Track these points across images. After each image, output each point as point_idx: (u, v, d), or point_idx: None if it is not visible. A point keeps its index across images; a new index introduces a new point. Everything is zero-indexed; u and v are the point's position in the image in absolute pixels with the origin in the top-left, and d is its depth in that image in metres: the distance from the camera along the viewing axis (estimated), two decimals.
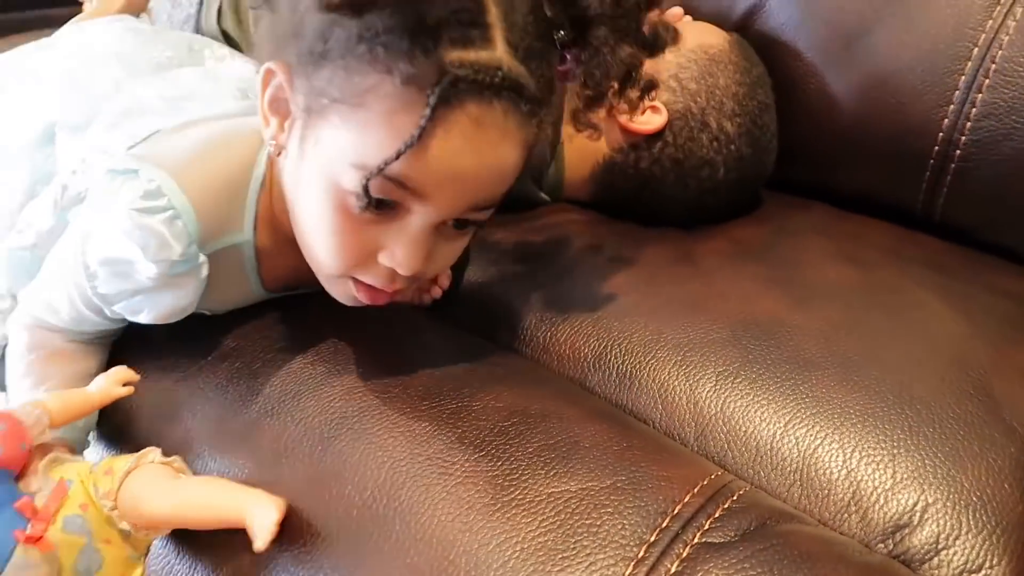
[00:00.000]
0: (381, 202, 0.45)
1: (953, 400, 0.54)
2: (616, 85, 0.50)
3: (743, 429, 0.53)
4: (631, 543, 0.42)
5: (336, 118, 0.44)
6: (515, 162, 0.46)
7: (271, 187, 0.54)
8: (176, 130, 0.57)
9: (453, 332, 0.62)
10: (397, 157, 0.42)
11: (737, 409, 0.54)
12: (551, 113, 0.51)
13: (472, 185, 0.46)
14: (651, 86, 0.52)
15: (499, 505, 0.44)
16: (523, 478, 0.45)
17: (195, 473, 0.51)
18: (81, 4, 1.05)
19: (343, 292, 0.51)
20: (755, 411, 0.54)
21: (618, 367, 0.59)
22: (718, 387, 0.56)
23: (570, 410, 0.52)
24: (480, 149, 0.44)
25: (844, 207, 0.80)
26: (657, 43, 0.51)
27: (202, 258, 0.52)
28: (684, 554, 0.41)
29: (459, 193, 0.46)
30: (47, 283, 0.57)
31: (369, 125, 0.43)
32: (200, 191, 0.51)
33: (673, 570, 0.41)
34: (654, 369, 0.58)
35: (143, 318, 0.54)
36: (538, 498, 0.44)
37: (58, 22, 1.60)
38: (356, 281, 0.50)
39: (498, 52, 0.42)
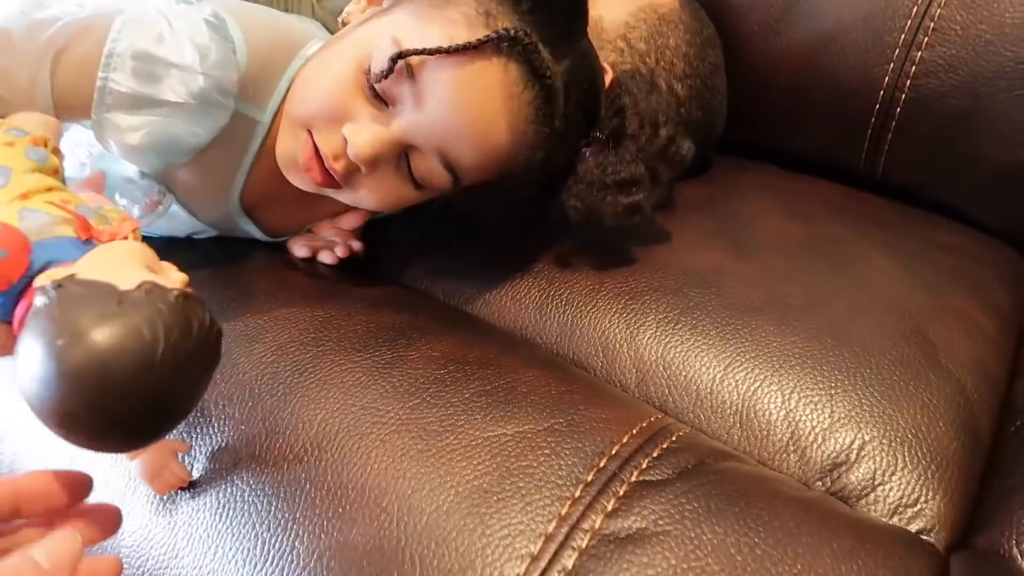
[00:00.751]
0: (383, 90, 0.49)
1: (890, 343, 0.54)
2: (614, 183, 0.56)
3: (683, 374, 0.53)
4: (568, 483, 0.41)
5: (409, 5, 0.51)
6: (504, 146, 0.51)
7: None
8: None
9: (390, 288, 0.60)
10: (432, 52, 0.47)
11: (678, 355, 0.54)
12: (554, 157, 0.55)
13: (459, 126, 0.49)
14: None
15: (433, 451, 0.43)
16: (458, 424, 0.44)
17: None
18: None
19: (290, 147, 0.52)
20: (695, 356, 0.54)
21: (559, 317, 0.58)
22: (659, 334, 0.55)
23: (508, 357, 0.51)
24: (490, 102, 0.49)
25: (791, 168, 0.81)
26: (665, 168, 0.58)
27: (232, 101, 0.51)
28: (621, 492, 0.41)
29: (445, 124, 0.49)
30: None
31: (432, 20, 0.49)
32: (254, 41, 0.52)
33: (610, 507, 0.40)
34: (595, 318, 0.57)
35: (132, 138, 0.49)
36: (473, 443, 0.43)
37: None
38: (307, 145, 0.51)
39: (556, 69, 0.50)
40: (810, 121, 0.79)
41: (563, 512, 0.40)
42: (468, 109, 0.49)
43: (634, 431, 0.45)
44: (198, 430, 0.48)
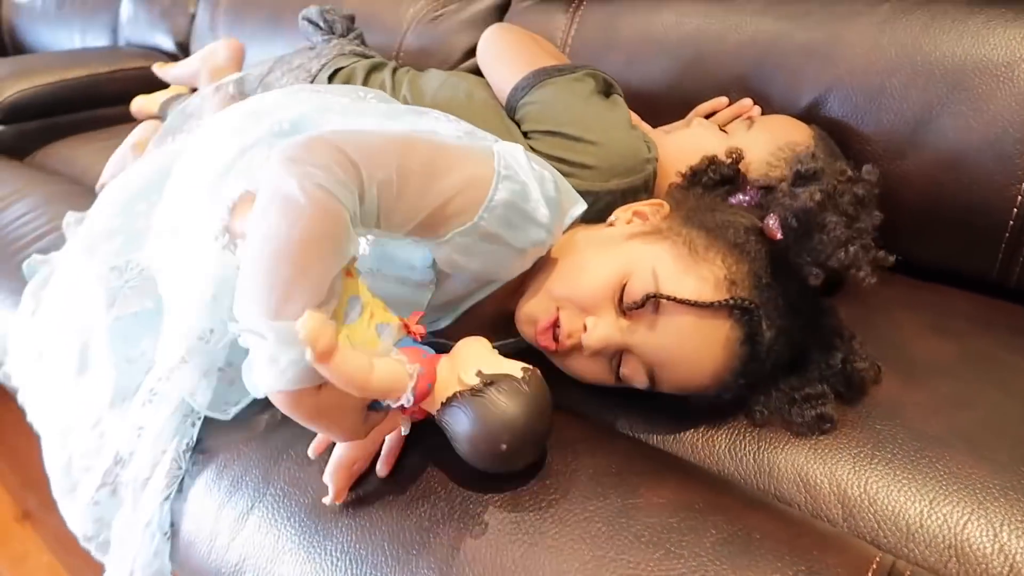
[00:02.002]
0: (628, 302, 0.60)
1: None
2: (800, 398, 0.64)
3: (889, 508, 0.57)
4: None
5: (671, 245, 0.61)
6: (703, 384, 0.61)
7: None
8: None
9: (588, 428, 0.65)
10: (681, 302, 0.58)
11: (880, 489, 0.58)
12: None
13: (676, 359, 0.60)
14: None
15: None
16: (710, 575, 0.49)
17: None
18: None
19: (536, 310, 0.64)
20: (898, 490, 0.57)
21: (753, 454, 0.63)
22: (857, 468, 0.59)
23: (727, 500, 0.55)
24: (709, 352, 0.59)
25: (920, 277, 0.85)
26: (846, 387, 0.65)
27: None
28: None
29: (665, 353, 0.60)
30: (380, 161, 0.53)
31: (688, 272, 0.59)
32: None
33: None
34: (790, 454, 0.62)
35: (469, 263, 0.59)
36: None
37: (108, 122, 1.69)
38: (550, 316, 0.62)
39: (770, 335, 0.60)
40: (940, 235, 0.83)
41: None
42: (690, 351, 0.59)
43: (869, 574, 0.49)
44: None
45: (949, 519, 0.55)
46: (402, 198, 0.54)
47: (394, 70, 1.08)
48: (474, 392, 0.51)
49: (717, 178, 0.73)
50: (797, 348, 0.64)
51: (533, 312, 0.64)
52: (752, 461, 0.62)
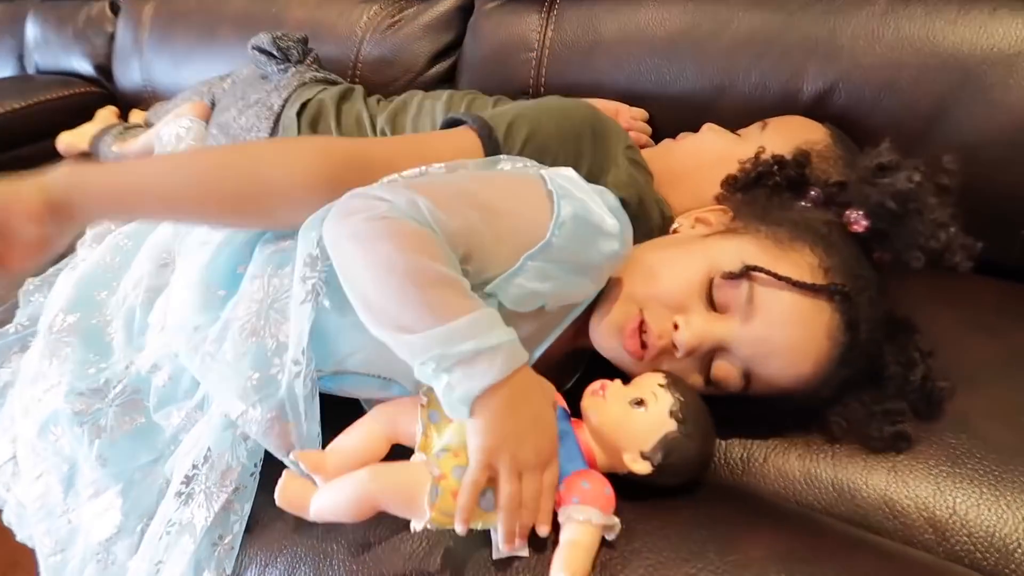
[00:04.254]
0: (721, 296, 0.58)
1: None
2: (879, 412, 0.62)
3: (982, 528, 0.56)
4: None
5: (753, 239, 0.60)
6: (803, 377, 0.58)
7: None
8: None
9: None
10: (780, 278, 0.56)
11: (969, 508, 0.57)
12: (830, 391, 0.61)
13: (776, 349, 0.57)
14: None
15: None
16: None
17: None
18: None
19: (619, 317, 0.60)
20: (987, 508, 0.57)
21: (831, 480, 0.61)
22: (940, 488, 0.58)
23: (828, 543, 0.53)
24: (813, 339, 0.57)
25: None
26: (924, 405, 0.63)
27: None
28: None
29: (764, 343, 0.57)
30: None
31: (780, 258, 0.58)
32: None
33: None
34: (866, 477, 0.60)
35: (544, 287, 0.56)
36: None
37: (30, 162, 1.53)
38: (635, 319, 0.60)
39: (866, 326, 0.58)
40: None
41: None
42: (791, 338, 0.57)
43: None
44: None
45: None
46: (454, 220, 0.53)
47: (365, 98, 1.02)
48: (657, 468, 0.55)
49: (784, 181, 0.70)
50: (877, 358, 0.62)
51: (616, 319, 0.60)
52: (831, 488, 0.60)
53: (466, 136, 0.69)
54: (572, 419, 0.58)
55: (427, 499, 0.51)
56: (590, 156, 0.70)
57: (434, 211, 0.52)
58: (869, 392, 0.62)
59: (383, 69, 1.22)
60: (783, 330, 0.57)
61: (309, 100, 0.99)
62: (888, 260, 0.61)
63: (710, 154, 0.80)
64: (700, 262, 0.60)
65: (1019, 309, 0.77)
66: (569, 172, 0.61)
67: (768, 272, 0.56)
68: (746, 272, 0.57)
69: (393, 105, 0.96)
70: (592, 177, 0.68)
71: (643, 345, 0.59)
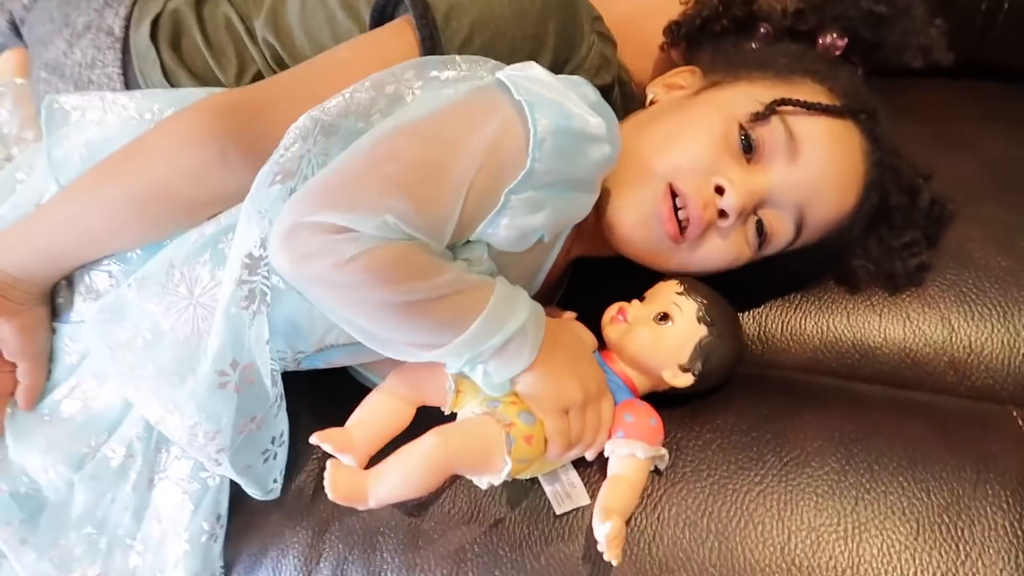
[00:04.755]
0: (757, 141, 0.53)
1: None
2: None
3: (998, 360, 0.59)
4: None
5: (751, 83, 0.56)
6: (850, 208, 0.56)
7: None
8: None
9: None
10: (813, 107, 0.52)
11: (984, 344, 0.59)
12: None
13: (829, 183, 0.54)
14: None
15: None
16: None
17: None
18: None
19: (643, 202, 0.53)
20: (999, 339, 0.59)
21: (852, 343, 0.62)
22: (955, 327, 0.60)
23: (875, 416, 0.54)
24: (856, 163, 0.55)
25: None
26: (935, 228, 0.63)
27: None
28: None
29: (816, 180, 0.54)
30: (394, 183, 0.46)
31: (792, 89, 0.54)
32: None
33: None
34: (884, 335, 0.61)
35: (537, 219, 0.48)
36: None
37: None
38: (666, 197, 0.53)
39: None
40: None
41: None
42: (840, 166, 0.54)
43: None
44: None
45: None
46: (429, 208, 0.45)
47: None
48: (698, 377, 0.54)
49: (732, 24, 0.63)
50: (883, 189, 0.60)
51: (644, 205, 0.53)
52: (853, 351, 0.62)
53: (399, 38, 0.57)
54: (601, 351, 0.56)
55: (505, 451, 0.48)
56: (555, 37, 0.58)
57: (407, 216, 0.44)
58: (884, 227, 0.61)
59: None
60: (831, 161, 0.54)
61: (160, 14, 0.78)
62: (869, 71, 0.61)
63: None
64: (714, 115, 0.54)
65: (982, 112, 0.77)
66: (533, 70, 0.50)
67: (797, 102, 0.52)
68: (773, 109, 0.52)
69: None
70: (558, 63, 0.59)
71: (681, 227, 0.53)
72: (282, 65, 0.70)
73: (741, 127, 0.53)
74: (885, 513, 0.49)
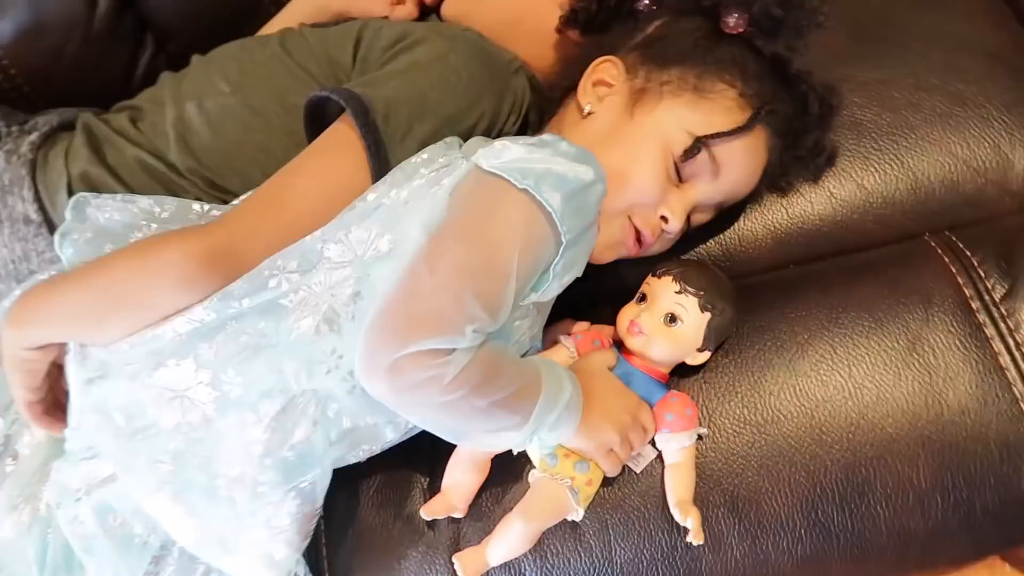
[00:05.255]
0: (687, 172, 0.63)
1: None
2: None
3: (922, 190, 0.74)
4: None
5: (673, 98, 0.63)
6: (755, 184, 0.69)
7: None
8: None
9: None
10: (729, 135, 0.62)
11: (900, 181, 0.74)
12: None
13: (744, 184, 0.67)
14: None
15: None
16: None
17: None
18: None
19: (613, 233, 0.64)
20: (909, 173, 0.73)
21: (799, 231, 0.74)
22: (881, 177, 0.74)
23: (838, 290, 0.67)
24: (762, 160, 0.67)
25: None
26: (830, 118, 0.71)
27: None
28: None
29: (735, 186, 0.66)
30: (432, 297, 0.51)
31: (711, 110, 0.63)
32: None
33: None
34: (819, 212, 0.74)
35: (577, 268, 0.57)
36: None
37: None
38: (630, 228, 0.64)
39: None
40: None
41: None
42: (753, 167, 0.67)
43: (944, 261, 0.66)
44: None
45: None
46: (495, 307, 0.52)
47: (107, 123, 0.75)
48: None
49: (607, 13, 0.69)
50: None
51: (613, 237, 0.64)
52: (799, 237, 0.74)
53: (347, 152, 0.60)
54: (622, 352, 0.63)
55: (574, 502, 0.59)
56: (490, 98, 0.64)
57: (483, 320, 0.51)
58: (788, 142, 0.69)
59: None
60: (746, 168, 0.66)
61: (68, 183, 0.73)
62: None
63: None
64: (653, 148, 0.63)
65: None
66: (510, 151, 0.54)
67: (718, 135, 0.62)
68: (699, 147, 0.62)
69: (148, 117, 0.76)
70: (500, 116, 0.65)
71: (639, 242, 0.65)
72: (218, 188, 0.70)
73: (671, 163, 0.63)
74: (874, 366, 0.63)
